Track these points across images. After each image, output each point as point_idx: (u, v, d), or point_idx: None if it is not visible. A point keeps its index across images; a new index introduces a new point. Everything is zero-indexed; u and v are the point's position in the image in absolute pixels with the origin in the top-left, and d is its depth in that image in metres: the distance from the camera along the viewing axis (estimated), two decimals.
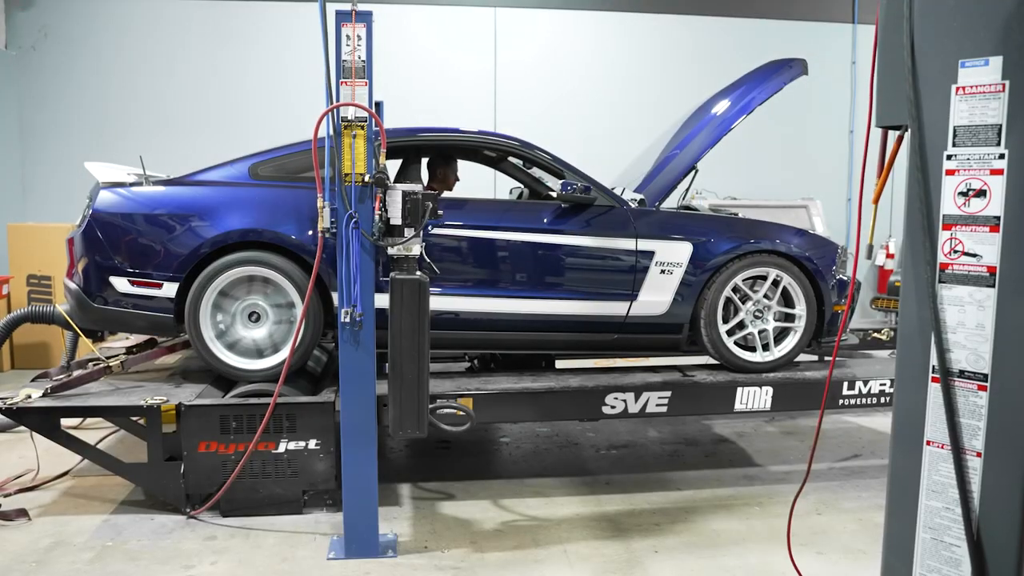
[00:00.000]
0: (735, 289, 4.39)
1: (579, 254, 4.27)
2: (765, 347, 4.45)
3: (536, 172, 4.87)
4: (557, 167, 4.41)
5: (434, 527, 3.78)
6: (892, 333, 5.57)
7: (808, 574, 3.08)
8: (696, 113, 4.87)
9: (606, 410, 4.12)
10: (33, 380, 4.02)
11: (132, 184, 4.04)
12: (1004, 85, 1.87)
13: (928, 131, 2.01)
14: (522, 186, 5.10)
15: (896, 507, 2.15)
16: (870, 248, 2.24)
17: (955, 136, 1.96)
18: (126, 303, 3.98)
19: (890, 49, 2.07)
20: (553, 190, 4.46)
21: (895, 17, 2.04)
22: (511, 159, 4.91)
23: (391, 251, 3.27)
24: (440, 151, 4.86)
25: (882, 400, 4.42)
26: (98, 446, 4.08)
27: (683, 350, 4.53)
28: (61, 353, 5.19)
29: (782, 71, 4.60)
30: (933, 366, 2.03)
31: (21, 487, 4.16)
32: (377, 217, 3.20)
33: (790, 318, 4.48)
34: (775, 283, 4.43)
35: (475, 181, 5.70)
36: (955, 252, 1.98)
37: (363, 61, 3.17)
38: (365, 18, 3.15)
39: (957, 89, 1.95)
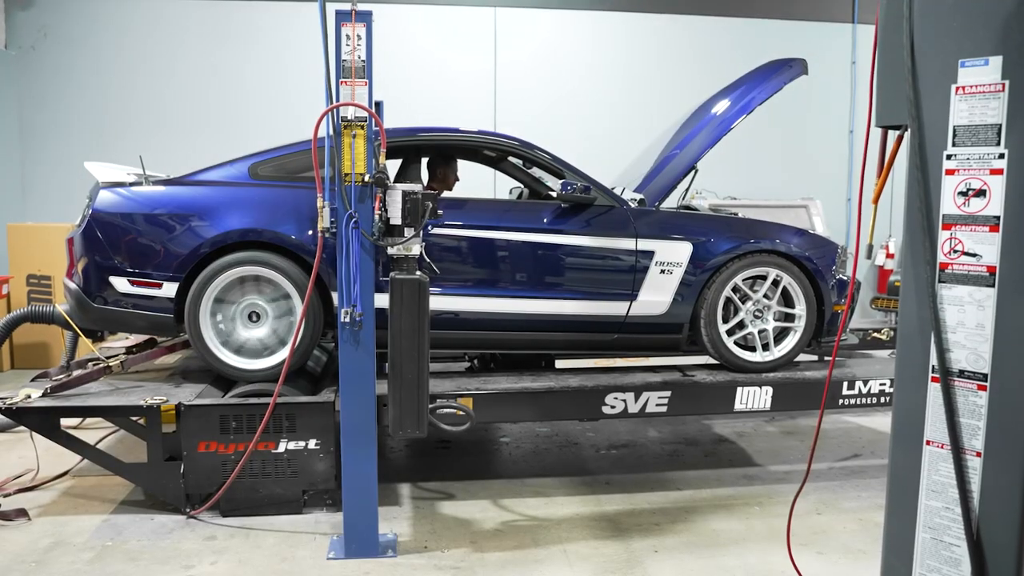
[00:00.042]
0: (735, 289, 4.39)
1: (579, 254, 4.27)
2: (765, 347, 4.45)
3: (536, 172, 4.87)
4: (557, 167, 4.40)
5: (434, 527, 3.78)
6: (892, 333, 5.57)
7: (808, 574, 3.08)
8: (696, 113, 4.87)
9: (606, 410, 4.12)
10: (33, 380, 4.01)
11: (132, 184, 4.04)
12: (1004, 85, 1.87)
13: (928, 131, 2.01)
14: (522, 186, 5.11)
15: (896, 507, 2.15)
16: (870, 248, 2.24)
17: (955, 136, 1.96)
18: (126, 303, 3.98)
19: (890, 49, 2.07)
20: (553, 190, 4.46)
21: (895, 17, 2.04)
22: (511, 159, 4.91)
23: (391, 251, 3.27)
24: (440, 151, 4.86)
25: (882, 400, 4.42)
26: (98, 446, 4.07)
27: (683, 350, 4.53)
28: (61, 353, 5.19)
29: (782, 71, 4.60)
30: (933, 366, 2.03)
31: (21, 487, 4.16)
32: (377, 217, 3.20)
33: (790, 318, 4.48)
34: (775, 283, 4.43)
35: (475, 181, 5.71)
36: (955, 252, 1.98)
37: (363, 61, 3.17)
38: (365, 18, 3.15)
39: (957, 89, 1.95)
